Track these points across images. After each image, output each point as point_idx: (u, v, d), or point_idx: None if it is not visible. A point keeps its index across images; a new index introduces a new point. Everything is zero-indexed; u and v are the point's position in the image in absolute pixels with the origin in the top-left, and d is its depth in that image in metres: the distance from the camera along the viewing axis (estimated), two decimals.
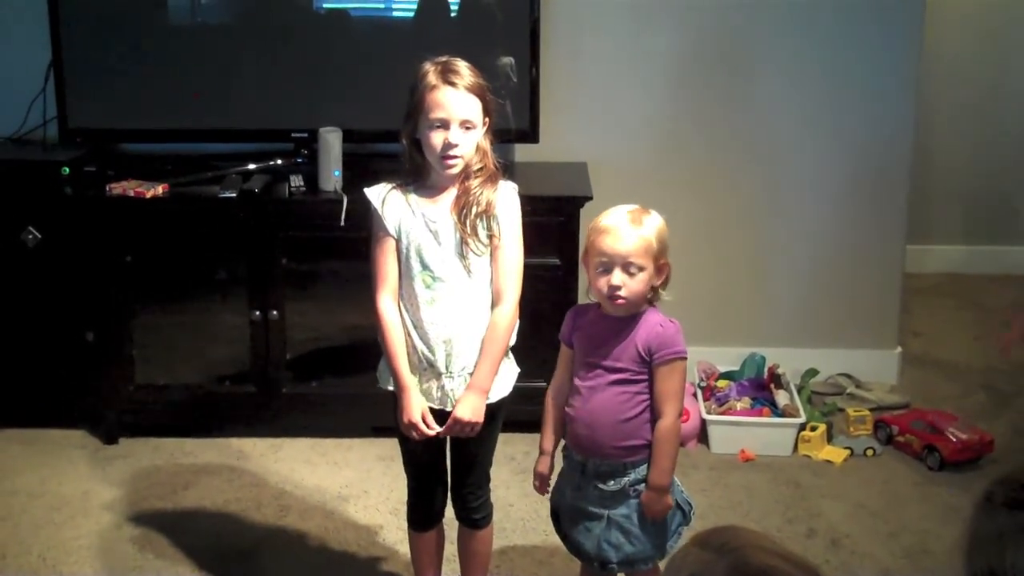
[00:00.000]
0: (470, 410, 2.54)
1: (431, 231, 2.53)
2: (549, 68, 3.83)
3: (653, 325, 2.45)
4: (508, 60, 3.72)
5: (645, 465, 2.48)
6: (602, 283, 2.44)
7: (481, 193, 2.52)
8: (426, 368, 2.56)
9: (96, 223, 3.63)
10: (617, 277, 2.42)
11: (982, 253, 5.40)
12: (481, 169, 2.53)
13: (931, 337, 4.67)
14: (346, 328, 3.68)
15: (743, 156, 4.04)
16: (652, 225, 2.46)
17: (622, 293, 2.42)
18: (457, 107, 2.46)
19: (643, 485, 2.48)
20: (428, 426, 2.54)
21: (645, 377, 2.46)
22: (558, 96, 3.89)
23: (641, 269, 2.42)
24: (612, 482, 2.49)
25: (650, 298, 2.49)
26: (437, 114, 2.46)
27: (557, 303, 3.53)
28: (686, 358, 2.49)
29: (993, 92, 5.31)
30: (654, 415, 2.46)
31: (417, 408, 2.53)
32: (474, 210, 2.51)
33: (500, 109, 2.64)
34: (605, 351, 2.48)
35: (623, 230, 2.43)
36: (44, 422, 3.84)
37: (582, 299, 3.44)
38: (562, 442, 2.61)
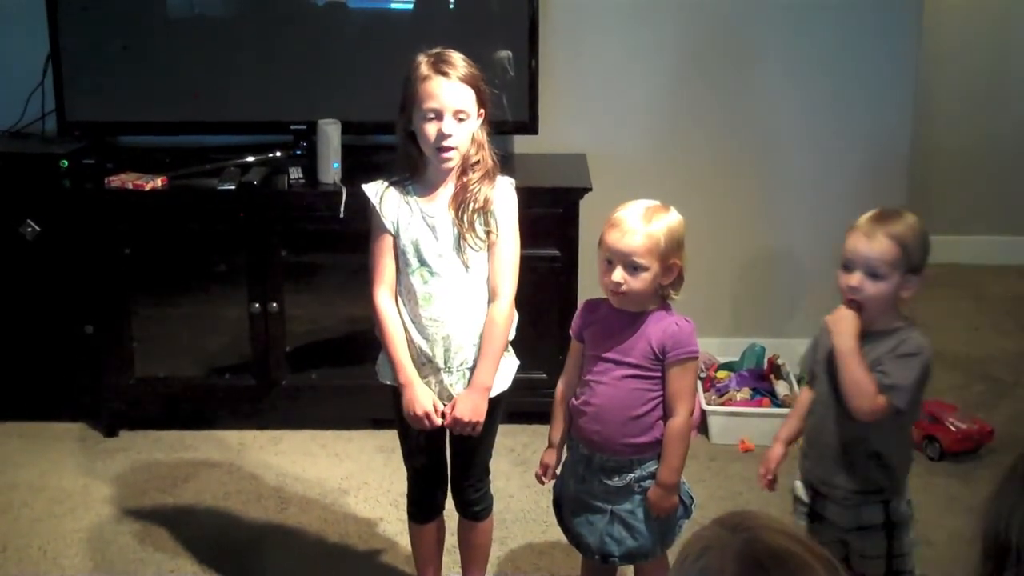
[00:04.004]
0: (470, 410, 2.53)
1: (429, 227, 2.52)
2: (548, 59, 3.82)
3: (668, 324, 2.44)
4: (506, 53, 3.72)
5: (652, 461, 2.47)
6: (606, 279, 2.44)
7: (479, 189, 2.51)
8: (424, 363, 2.55)
9: (95, 216, 3.62)
10: (618, 274, 2.40)
11: (981, 243, 5.41)
12: (478, 163, 2.52)
13: (930, 327, 4.58)
14: (345, 320, 3.68)
15: (742, 147, 4.04)
16: (663, 223, 2.41)
17: (623, 291, 2.41)
18: (450, 97, 2.45)
19: (649, 481, 2.48)
20: (439, 415, 2.54)
21: (658, 374, 2.45)
22: (557, 87, 3.88)
23: (644, 268, 2.39)
24: (618, 477, 2.48)
25: (663, 295, 2.47)
26: (430, 104, 2.45)
27: (556, 295, 3.54)
28: (698, 357, 2.49)
29: (993, 83, 5.31)
30: (665, 413, 2.46)
31: (427, 399, 2.53)
32: (471, 206, 2.50)
33: (496, 100, 2.62)
34: (617, 346, 2.46)
35: (630, 226, 2.40)
36: (44, 415, 3.84)
37: (582, 291, 3.46)
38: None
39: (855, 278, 2.33)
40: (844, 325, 2.34)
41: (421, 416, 2.53)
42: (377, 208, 2.54)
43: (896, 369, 2.31)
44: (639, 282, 2.40)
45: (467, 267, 2.52)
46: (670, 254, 2.42)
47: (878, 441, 2.37)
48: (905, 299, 2.36)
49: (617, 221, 2.43)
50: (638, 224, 2.40)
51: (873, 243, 2.32)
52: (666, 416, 2.46)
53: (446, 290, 2.52)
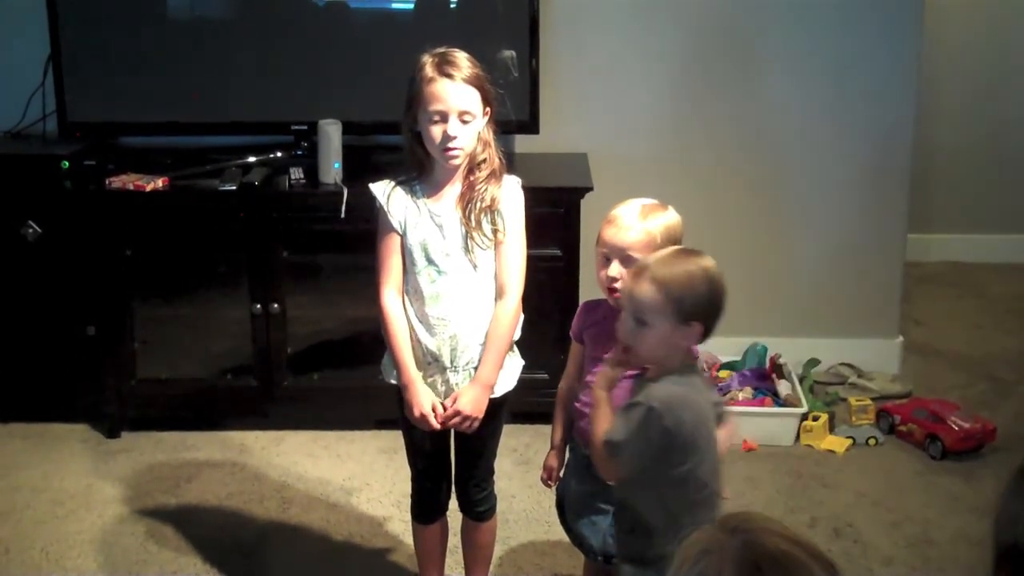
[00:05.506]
0: (471, 404, 2.53)
1: (436, 226, 2.52)
2: (550, 58, 3.82)
3: None
4: (509, 53, 3.71)
5: None
6: (602, 274, 2.43)
7: (486, 189, 2.50)
8: (431, 363, 2.55)
9: (96, 217, 3.62)
10: (614, 269, 2.39)
11: (983, 242, 5.41)
12: (484, 161, 2.52)
13: (933, 326, 4.67)
14: (347, 321, 3.68)
15: (744, 146, 4.04)
16: (661, 221, 2.40)
17: (618, 286, 2.41)
18: (455, 99, 2.44)
19: None
20: (437, 416, 2.54)
21: None
22: (559, 87, 3.88)
23: None
24: None
25: None
26: (435, 107, 2.44)
27: (558, 294, 3.54)
28: (698, 356, 2.48)
29: (995, 81, 5.31)
30: None
31: (427, 400, 2.53)
32: (479, 205, 2.50)
33: (500, 100, 2.62)
34: (615, 346, 2.46)
35: (627, 222, 2.40)
36: (46, 417, 3.84)
37: (584, 291, 3.46)
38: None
39: (622, 322, 2.16)
40: (600, 377, 2.24)
41: (419, 418, 2.53)
42: (384, 207, 2.54)
43: (615, 422, 2.14)
44: None
45: (475, 266, 2.52)
46: None
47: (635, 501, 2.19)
48: (683, 347, 2.16)
49: (614, 217, 2.43)
50: (635, 220, 2.40)
51: (638, 287, 2.13)
52: None
53: (453, 289, 2.52)
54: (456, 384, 2.55)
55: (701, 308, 2.12)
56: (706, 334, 2.16)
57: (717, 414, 2.24)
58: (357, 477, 3.52)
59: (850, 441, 3.69)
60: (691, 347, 2.19)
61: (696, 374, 2.22)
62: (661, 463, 2.11)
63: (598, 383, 2.24)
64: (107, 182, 3.60)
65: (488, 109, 2.51)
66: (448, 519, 2.80)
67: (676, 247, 2.28)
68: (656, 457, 2.11)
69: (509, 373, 2.61)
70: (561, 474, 2.62)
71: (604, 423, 2.17)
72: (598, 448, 2.17)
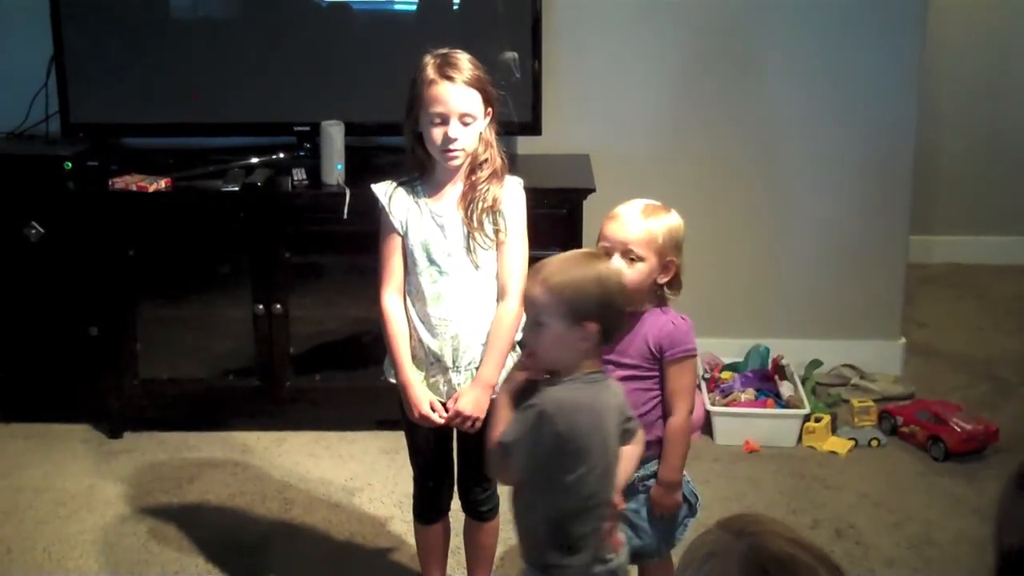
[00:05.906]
0: (472, 404, 2.53)
1: (438, 226, 2.53)
2: (552, 59, 3.82)
3: (664, 322, 2.44)
4: (511, 54, 3.71)
5: (655, 461, 2.47)
6: None
7: (487, 189, 2.51)
8: (433, 363, 2.56)
9: (99, 217, 3.63)
10: (615, 262, 2.41)
11: (986, 243, 5.41)
12: (486, 161, 2.52)
13: (935, 328, 4.67)
14: (350, 321, 3.68)
15: (746, 147, 4.04)
16: (663, 221, 2.43)
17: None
18: (455, 101, 2.45)
19: (653, 480, 2.47)
20: (439, 414, 2.54)
21: (656, 374, 2.44)
22: (561, 88, 3.88)
23: (641, 259, 2.40)
24: None
25: (659, 294, 2.47)
26: (436, 109, 2.45)
27: None
28: (696, 355, 2.49)
29: (997, 82, 5.31)
30: (665, 412, 2.46)
31: (425, 401, 2.53)
32: (480, 205, 2.50)
33: (503, 101, 2.63)
34: (614, 347, 2.45)
35: (629, 219, 2.42)
36: (48, 417, 3.85)
37: None
38: None
39: (524, 324, 2.19)
40: (504, 380, 2.26)
41: (420, 418, 2.54)
42: (386, 208, 2.54)
43: (510, 423, 2.13)
44: (635, 274, 2.40)
45: (476, 266, 2.53)
46: (667, 251, 2.42)
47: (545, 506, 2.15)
48: (581, 348, 2.14)
49: (617, 214, 2.46)
50: (636, 217, 2.43)
51: (532, 287, 2.17)
52: (666, 415, 2.46)
53: (455, 289, 2.52)
54: (458, 384, 2.56)
55: (594, 309, 2.13)
56: (606, 335, 2.17)
57: (624, 429, 2.23)
58: (359, 477, 3.53)
59: (852, 442, 3.69)
60: (594, 351, 2.18)
61: (602, 383, 2.19)
62: (552, 468, 2.11)
63: (501, 387, 2.25)
64: (110, 183, 3.60)
65: (490, 110, 2.51)
66: (450, 519, 2.81)
67: (580, 250, 2.32)
68: (546, 461, 2.10)
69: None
70: None
71: (501, 425, 2.16)
72: (493, 449, 2.17)
